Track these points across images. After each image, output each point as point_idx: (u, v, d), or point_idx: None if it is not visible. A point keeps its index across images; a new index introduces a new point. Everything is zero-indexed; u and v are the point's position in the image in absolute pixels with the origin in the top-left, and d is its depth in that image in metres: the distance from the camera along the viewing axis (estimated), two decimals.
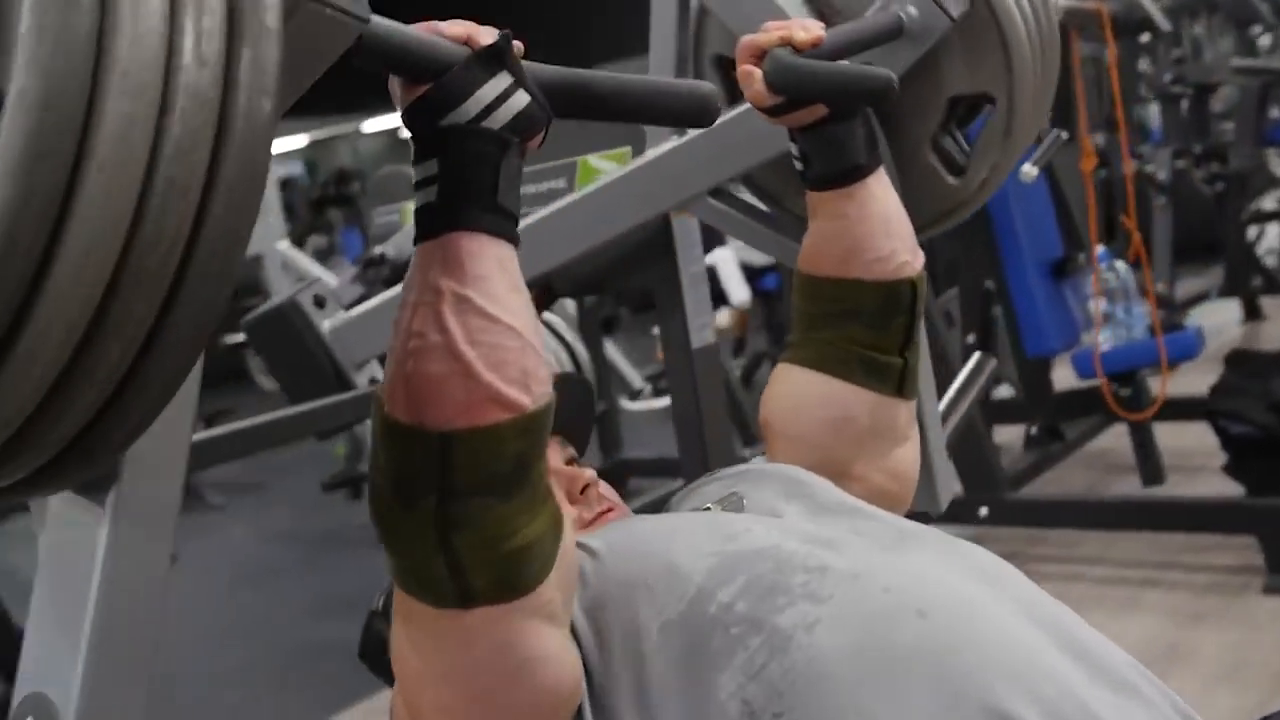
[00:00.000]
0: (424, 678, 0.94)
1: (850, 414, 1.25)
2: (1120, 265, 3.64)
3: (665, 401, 4.26)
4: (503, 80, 0.85)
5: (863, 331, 1.25)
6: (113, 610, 0.78)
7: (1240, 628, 2.63)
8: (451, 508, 0.84)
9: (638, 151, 1.68)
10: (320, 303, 1.92)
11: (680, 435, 1.83)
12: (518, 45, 0.88)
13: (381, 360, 1.96)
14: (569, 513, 1.21)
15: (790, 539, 1.07)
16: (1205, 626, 2.67)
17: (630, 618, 1.01)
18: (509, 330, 0.85)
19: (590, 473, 1.24)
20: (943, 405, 1.83)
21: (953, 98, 1.43)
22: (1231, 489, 3.15)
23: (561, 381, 1.32)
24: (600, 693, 1.00)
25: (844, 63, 1.17)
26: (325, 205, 9.64)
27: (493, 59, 0.85)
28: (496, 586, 0.88)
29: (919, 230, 1.48)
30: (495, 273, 0.85)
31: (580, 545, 1.09)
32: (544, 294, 1.92)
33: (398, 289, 1.87)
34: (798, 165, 1.25)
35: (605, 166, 1.78)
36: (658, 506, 1.32)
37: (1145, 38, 3.58)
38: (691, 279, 1.77)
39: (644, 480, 4.36)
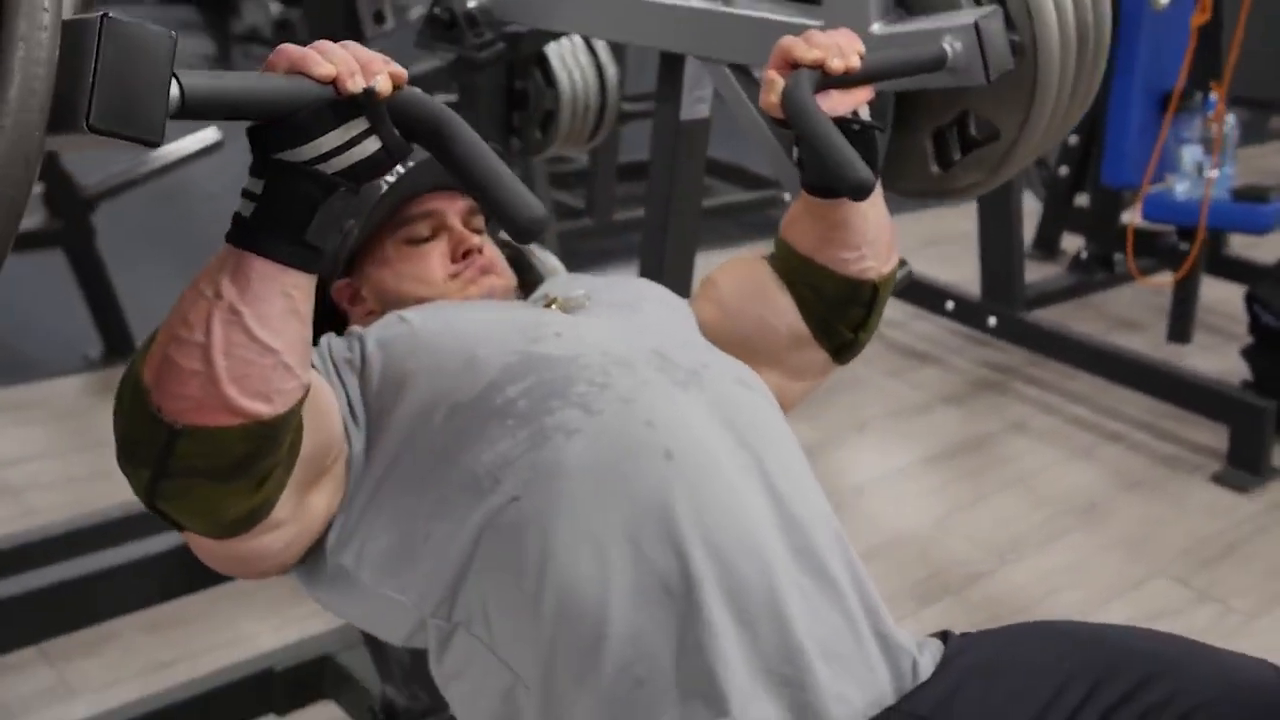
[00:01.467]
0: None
1: (778, 328, 1.31)
2: (1231, 117, 3.46)
3: None
4: (353, 128, 0.86)
5: (819, 302, 1.30)
6: None
7: (1167, 504, 2.71)
8: (162, 484, 0.92)
9: None
10: None
11: (648, 210, 1.90)
12: (398, 72, 0.87)
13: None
14: (441, 271, 1.32)
15: (593, 352, 1.16)
16: (1137, 494, 2.75)
17: (425, 391, 1.12)
18: (266, 350, 0.89)
19: (476, 239, 1.33)
20: None
21: (965, 110, 1.43)
22: (1240, 372, 3.14)
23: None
24: (383, 455, 1.12)
25: (841, 141, 1.12)
26: None
27: (347, 108, 0.85)
28: (208, 533, 0.98)
29: (887, 189, 1.51)
30: (275, 298, 0.88)
31: (403, 318, 1.20)
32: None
33: None
34: (795, 164, 1.26)
35: None
36: None
37: None
38: None
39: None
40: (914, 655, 1.13)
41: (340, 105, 0.85)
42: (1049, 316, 3.41)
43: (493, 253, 1.36)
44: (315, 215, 0.87)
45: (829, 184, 1.22)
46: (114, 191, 2.98)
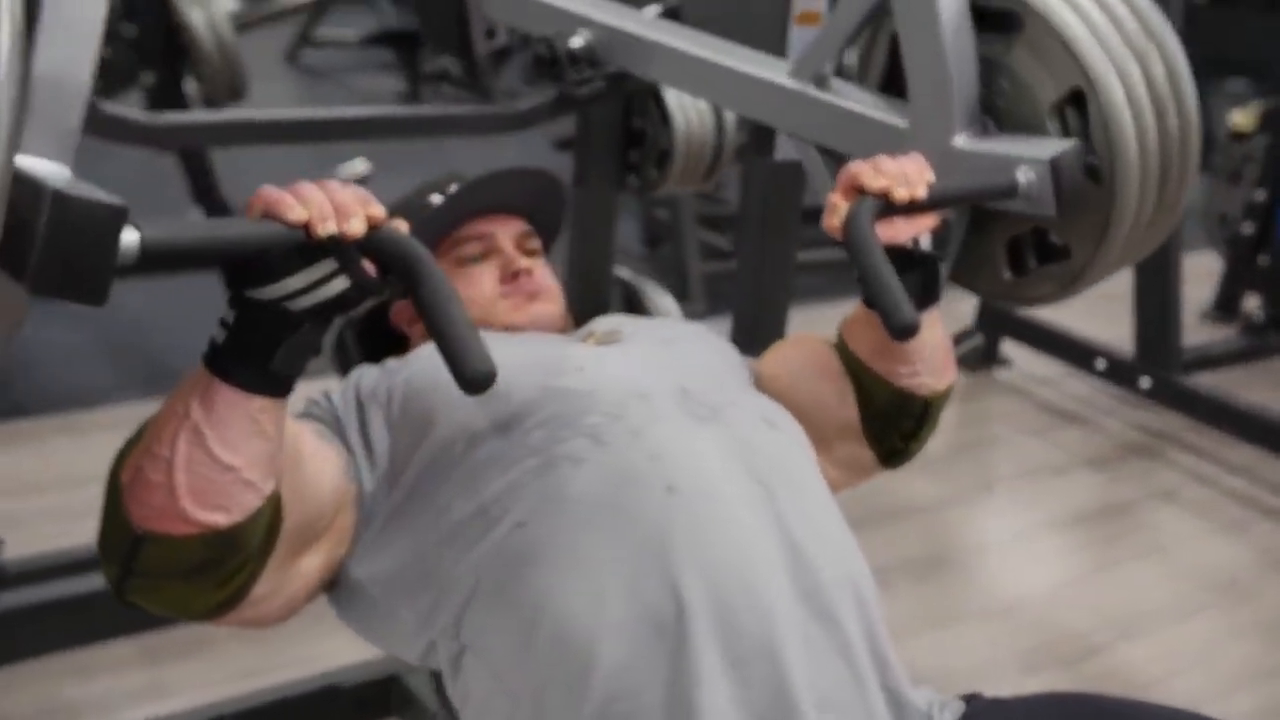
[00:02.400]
0: None
1: (835, 411, 1.29)
2: None
3: None
4: (323, 268, 0.88)
5: (873, 411, 1.29)
6: None
7: None
8: (129, 583, 0.96)
9: None
10: None
11: (740, 253, 1.89)
12: (372, 216, 0.89)
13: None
14: (491, 290, 1.34)
15: (612, 385, 1.16)
16: None
17: (448, 422, 1.14)
18: (226, 469, 0.92)
19: (525, 262, 1.35)
20: None
21: (1039, 229, 1.39)
22: None
23: (532, 175, 1.41)
24: (396, 474, 1.15)
25: (892, 283, 1.10)
26: None
27: (315, 251, 0.88)
28: (186, 619, 1.01)
29: (961, 285, 1.50)
30: (240, 421, 0.92)
31: (433, 349, 1.23)
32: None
33: None
34: (857, 280, 1.23)
35: None
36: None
37: None
38: None
39: None
40: (927, 714, 1.09)
41: (308, 249, 0.88)
42: (1213, 381, 3.21)
43: (544, 277, 1.38)
44: (280, 348, 0.90)
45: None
46: None
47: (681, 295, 3.69)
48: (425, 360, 1.21)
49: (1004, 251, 1.47)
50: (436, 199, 1.38)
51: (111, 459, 0.96)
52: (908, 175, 1.20)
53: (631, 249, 4.33)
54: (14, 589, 1.87)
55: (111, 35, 2.68)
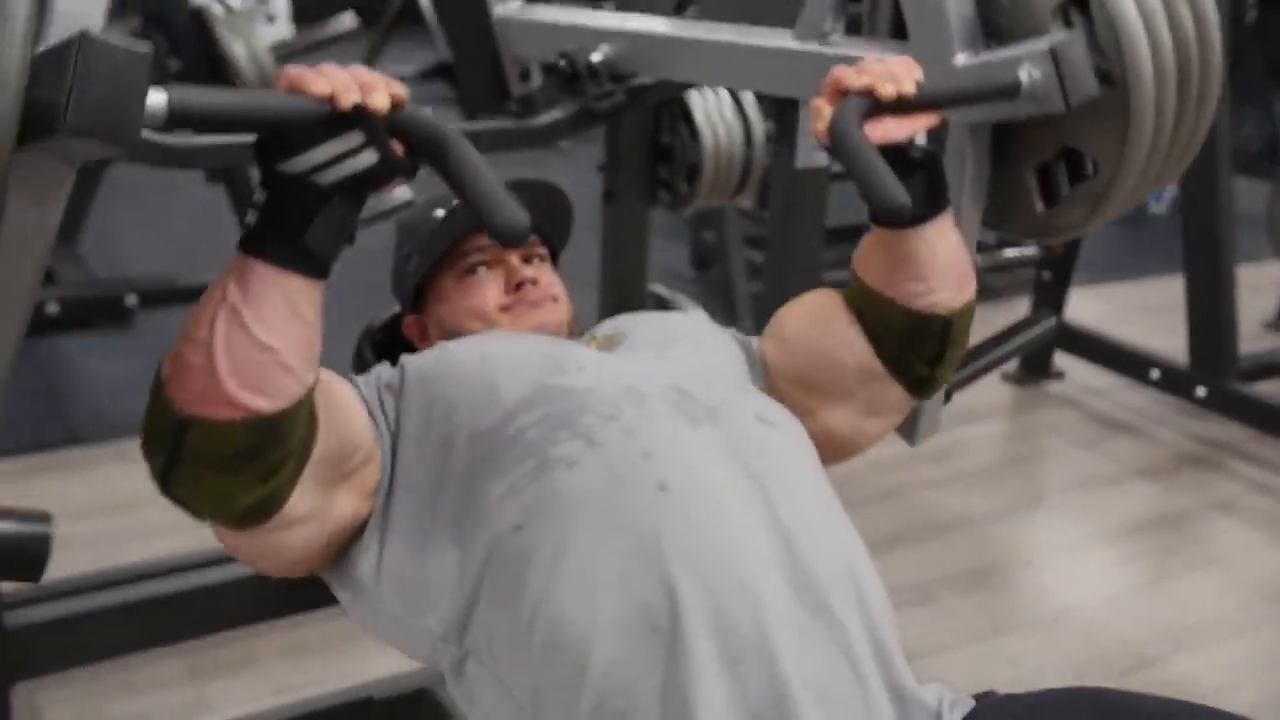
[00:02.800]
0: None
1: (843, 360, 1.27)
2: None
3: None
4: (350, 140, 0.89)
5: (895, 340, 1.26)
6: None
7: None
8: (174, 472, 0.96)
9: None
10: None
11: (766, 260, 1.88)
12: (398, 94, 0.91)
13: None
14: (494, 300, 1.34)
15: (609, 385, 1.16)
16: None
17: (451, 418, 1.15)
18: (265, 348, 0.92)
19: (529, 271, 1.36)
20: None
21: (1068, 146, 1.36)
22: None
23: (535, 186, 1.42)
24: (411, 476, 1.16)
25: (878, 167, 1.09)
26: None
27: (340, 123, 0.89)
28: (221, 522, 1.01)
29: (994, 228, 1.46)
30: (275, 300, 0.92)
31: (444, 347, 1.24)
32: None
33: (572, 10, 1.97)
34: (860, 197, 1.21)
35: None
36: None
37: None
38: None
39: None
40: (936, 711, 1.07)
41: (334, 120, 0.89)
42: (1273, 390, 3.13)
43: (548, 285, 1.38)
44: (312, 223, 0.92)
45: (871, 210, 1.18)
46: None
47: (730, 316, 3.69)
48: (435, 356, 1.22)
49: (1034, 180, 1.42)
50: (441, 213, 1.39)
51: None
52: (893, 73, 1.17)
53: (680, 272, 4.33)
54: (60, 600, 1.91)
55: (158, 71, 2.75)
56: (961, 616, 2.28)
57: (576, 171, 3.61)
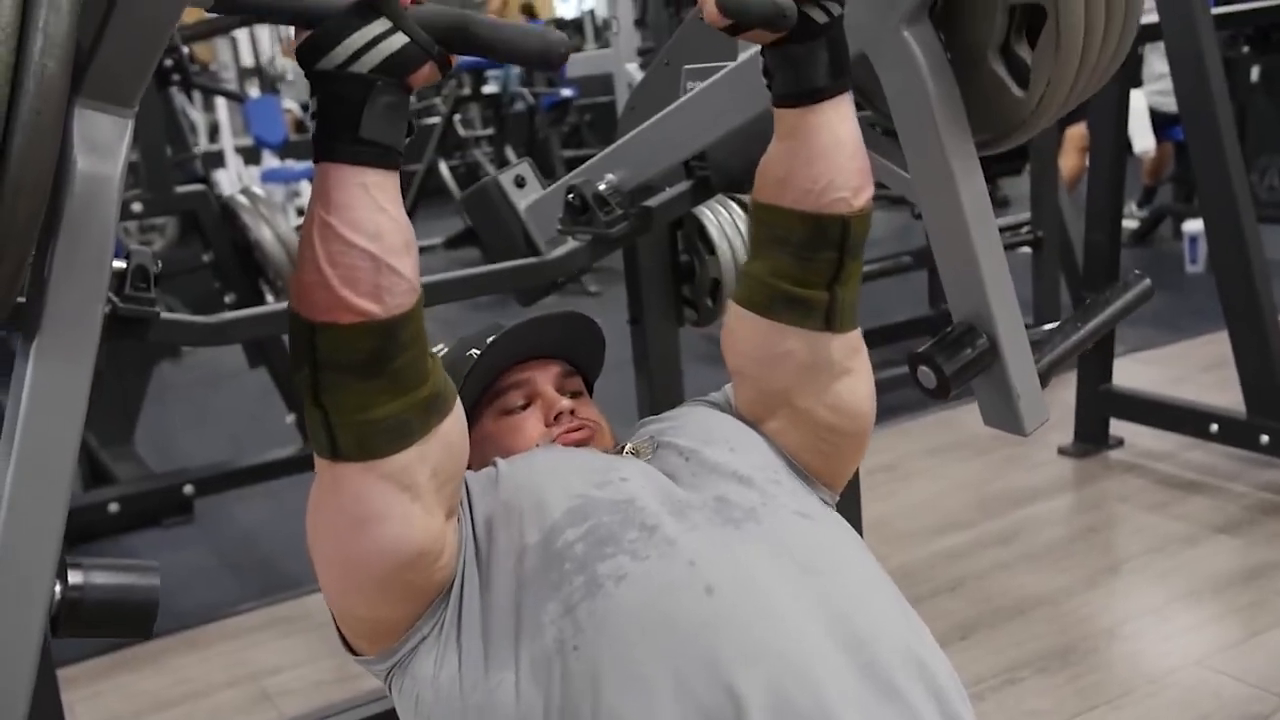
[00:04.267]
0: (310, 514, 1.14)
1: (777, 349, 1.28)
2: None
3: None
4: (377, 26, 0.96)
5: (789, 262, 1.25)
6: (33, 433, 0.95)
7: None
8: (319, 377, 1.03)
9: None
10: (520, 183, 2.12)
11: None
12: None
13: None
14: (534, 434, 1.36)
15: (650, 498, 1.17)
16: None
17: (502, 534, 1.17)
18: (363, 252, 0.99)
19: (566, 402, 1.38)
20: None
21: (1012, 6, 1.38)
22: None
23: (566, 318, 1.45)
24: (471, 590, 1.17)
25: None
26: None
27: (367, 8, 0.97)
28: (356, 446, 1.05)
29: (987, 144, 1.47)
30: (357, 199, 0.99)
31: (494, 462, 1.26)
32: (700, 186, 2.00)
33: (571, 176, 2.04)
34: (764, 80, 1.26)
35: None
36: None
37: None
38: None
39: None
40: None
41: (359, 7, 0.97)
42: None
43: (587, 414, 1.40)
44: (364, 112, 0.97)
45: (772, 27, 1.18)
46: None
47: None
48: (487, 471, 1.25)
49: (1001, 66, 1.41)
50: (475, 354, 1.42)
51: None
52: None
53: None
54: None
55: (195, 262, 2.85)
56: (1051, 696, 2.21)
57: (606, 313, 3.65)
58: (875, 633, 1.07)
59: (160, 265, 1.55)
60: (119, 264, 1.51)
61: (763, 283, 1.27)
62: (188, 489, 2.95)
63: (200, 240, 2.86)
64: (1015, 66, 1.41)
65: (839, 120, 1.23)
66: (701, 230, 2.28)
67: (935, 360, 1.49)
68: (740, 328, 1.32)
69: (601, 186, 1.94)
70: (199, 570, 3.14)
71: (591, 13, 10.48)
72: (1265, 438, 2.99)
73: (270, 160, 8.06)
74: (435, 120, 8.03)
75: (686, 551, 1.10)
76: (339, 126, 0.97)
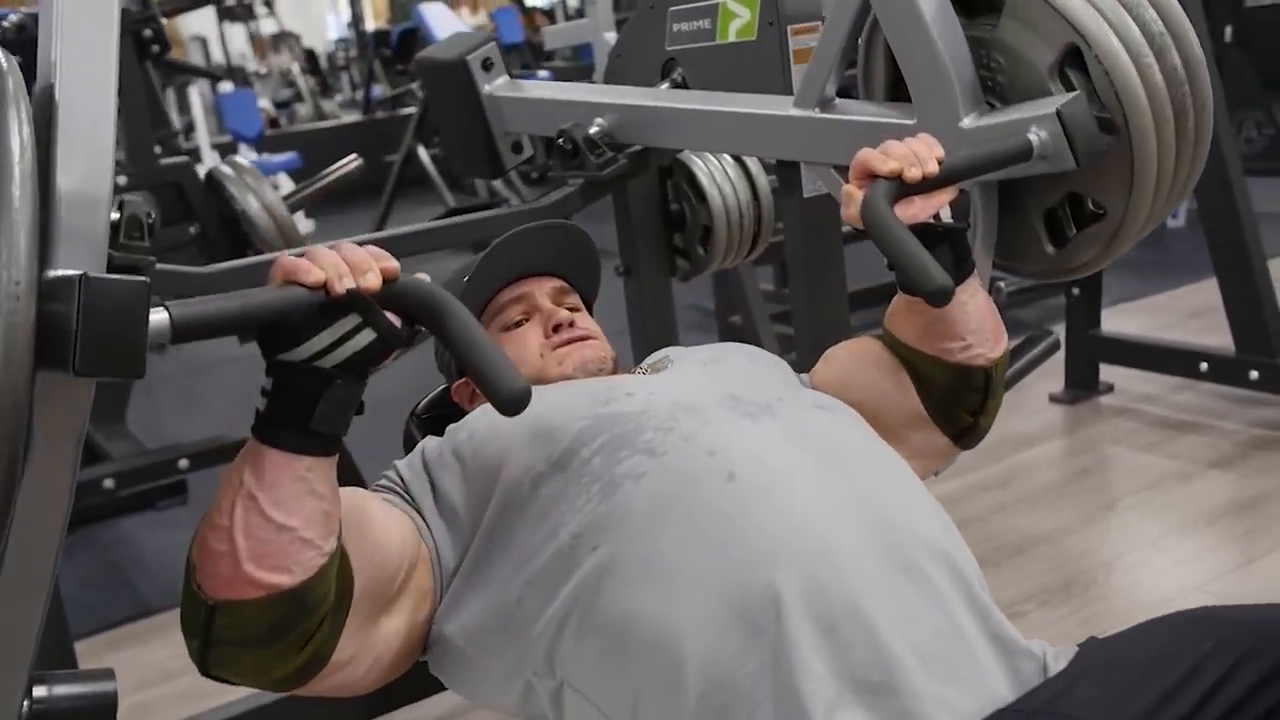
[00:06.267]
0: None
1: (899, 400, 1.32)
2: None
3: None
4: (345, 324, 0.94)
5: (936, 391, 1.30)
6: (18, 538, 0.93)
7: None
8: (211, 654, 1.00)
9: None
10: (488, 66, 2.08)
11: (793, 295, 1.92)
12: (389, 268, 0.95)
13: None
14: (535, 345, 1.37)
15: (661, 403, 1.18)
16: None
17: (512, 468, 1.17)
18: (282, 529, 0.96)
19: (565, 314, 1.39)
20: None
21: (1072, 193, 1.43)
22: None
23: (556, 228, 1.46)
24: (473, 513, 1.17)
25: (917, 251, 1.13)
26: None
27: (336, 308, 0.93)
28: (270, 689, 1.04)
29: (1009, 271, 1.53)
30: (290, 482, 0.96)
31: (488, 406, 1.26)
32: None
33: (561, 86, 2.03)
34: (888, 268, 1.24)
35: (741, 11, 1.82)
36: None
37: None
38: None
39: None
40: (1041, 659, 1.06)
41: (329, 307, 0.93)
42: None
43: (587, 326, 1.41)
44: (318, 406, 0.95)
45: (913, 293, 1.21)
46: None
47: None
48: (480, 416, 1.24)
49: (1042, 225, 1.47)
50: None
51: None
52: (917, 154, 1.22)
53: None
54: None
55: (181, 238, 2.84)
56: (1056, 628, 2.23)
57: None
58: (900, 517, 1.09)
59: (154, 216, 1.54)
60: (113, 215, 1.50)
61: (917, 371, 1.31)
62: (182, 463, 2.93)
63: (184, 216, 2.85)
64: (1053, 227, 1.47)
65: (969, 299, 1.28)
66: (691, 177, 2.28)
67: None
68: (877, 355, 1.34)
69: (593, 130, 1.94)
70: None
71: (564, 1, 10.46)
72: (1255, 373, 3.01)
73: (247, 153, 8.03)
74: (413, 110, 7.99)
75: (705, 443, 1.11)
76: (289, 417, 0.95)
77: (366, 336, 0.94)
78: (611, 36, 4.69)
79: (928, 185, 1.22)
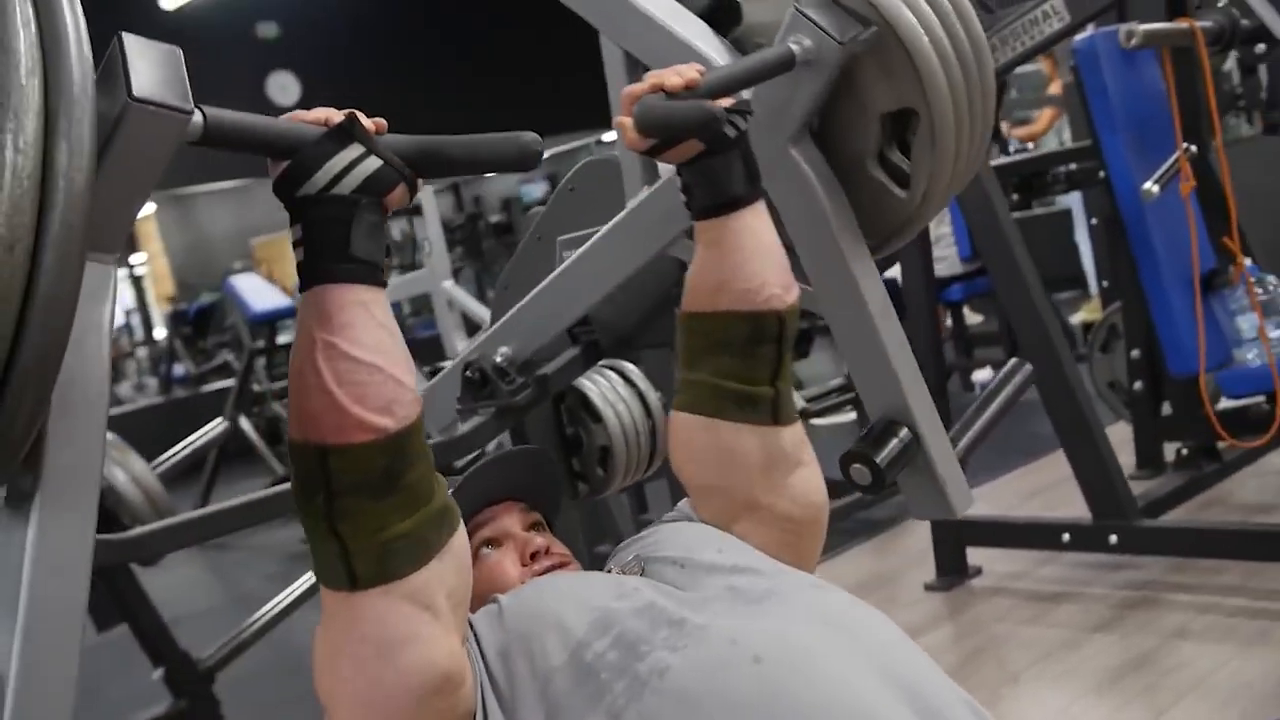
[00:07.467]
0: (324, 659, 1.09)
1: (734, 450, 1.31)
2: (1271, 279, 3.47)
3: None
4: (352, 151, 1.02)
5: (732, 363, 1.31)
6: (39, 597, 0.95)
7: None
8: (334, 505, 1.02)
9: None
10: None
11: None
12: (379, 121, 1.06)
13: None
14: (515, 573, 1.34)
15: (667, 601, 1.17)
16: None
17: (528, 663, 1.14)
18: (371, 368, 1.01)
19: (540, 540, 1.37)
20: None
21: (883, 115, 1.49)
22: None
23: (524, 455, 1.46)
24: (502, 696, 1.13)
25: (693, 103, 1.25)
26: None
27: (340, 134, 1.02)
28: (376, 570, 1.04)
29: (875, 249, 1.56)
30: (358, 317, 1.02)
31: (496, 598, 1.23)
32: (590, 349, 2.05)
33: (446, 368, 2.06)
34: (683, 197, 1.33)
35: None
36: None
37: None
38: None
39: None
40: None
41: (334, 133, 1.03)
42: (1175, 517, 3.28)
43: (560, 551, 1.39)
44: (351, 232, 1.01)
45: (700, 139, 1.27)
46: (230, 658, 3.06)
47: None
48: (490, 610, 1.22)
49: (881, 171, 1.53)
50: None
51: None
52: (676, 69, 1.29)
53: None
54: None
55: None
56: None
57: None
58: (926, 683, 1.09)
59: None
60: None
61: (710, 386, 1.32)
62: None
63: None
64: (893, 171, 1.53)
65: (760, 225, 1.33)
66: (584, 400, 2.31)
67: (867, 455, 1.56)
68: (693, 438, 1.35)
69: (498, 359, 1.97)
70: None
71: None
72: (1114, 538, 3.17)
73: None
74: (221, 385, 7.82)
75: (723, 633, 1.10)
76: (330, 248, 1.01)
77: (374, 162, 1.02)
78: (449, 285, 4.80)
79: (696, 95, 1.27)
